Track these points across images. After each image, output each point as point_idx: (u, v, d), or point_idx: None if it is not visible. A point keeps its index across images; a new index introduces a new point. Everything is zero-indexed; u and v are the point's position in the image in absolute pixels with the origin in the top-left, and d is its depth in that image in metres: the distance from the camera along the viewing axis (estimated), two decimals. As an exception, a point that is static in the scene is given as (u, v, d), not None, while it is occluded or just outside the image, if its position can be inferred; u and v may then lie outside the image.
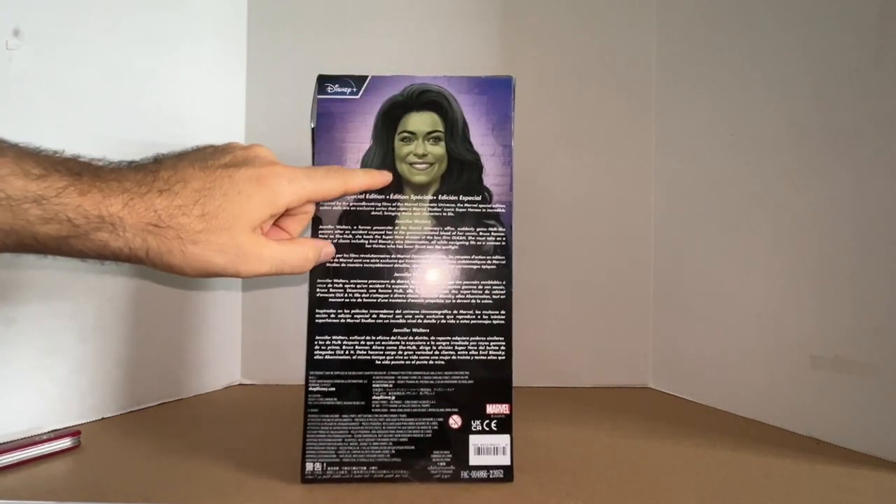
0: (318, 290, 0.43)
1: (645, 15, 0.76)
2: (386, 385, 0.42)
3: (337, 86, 0.44)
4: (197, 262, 0.34)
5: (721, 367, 0.65)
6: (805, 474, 0.45)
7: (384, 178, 0.42)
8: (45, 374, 0.53)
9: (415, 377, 0.42)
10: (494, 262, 0.43)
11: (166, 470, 0.44)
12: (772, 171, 0.59)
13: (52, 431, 0.51)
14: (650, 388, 0.75)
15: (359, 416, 0.42)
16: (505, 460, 0.42)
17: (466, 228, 0.44)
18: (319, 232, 0.43)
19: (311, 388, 0.42)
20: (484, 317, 0.43)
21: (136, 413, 0.60)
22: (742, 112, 0.63)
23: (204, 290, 0.69)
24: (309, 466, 0.41)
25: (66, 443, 0.48)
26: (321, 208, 0.43)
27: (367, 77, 0.44)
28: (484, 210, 0.44)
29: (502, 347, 0.43)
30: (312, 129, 0.44)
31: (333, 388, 0.42)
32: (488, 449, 0.42)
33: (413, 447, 0.42)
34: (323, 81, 0.45)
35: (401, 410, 0.42)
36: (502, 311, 0.43)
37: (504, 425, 0.42)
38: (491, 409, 0.42)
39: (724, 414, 0.63)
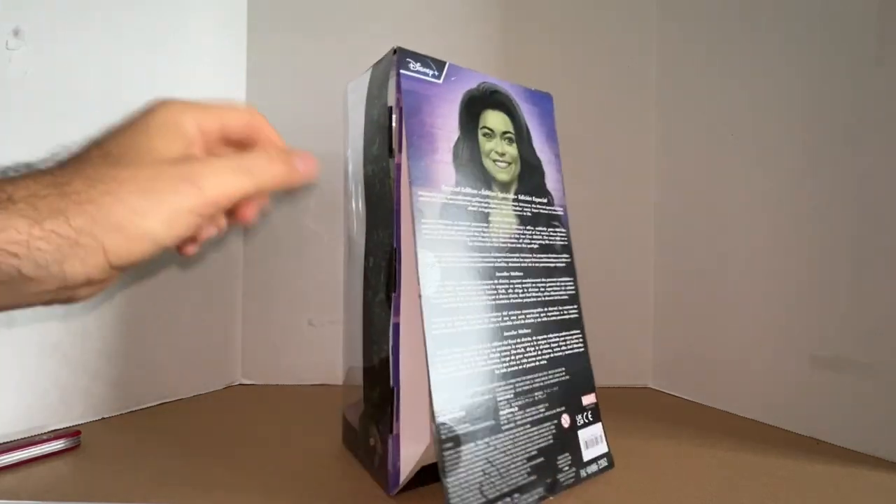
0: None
1: (645, 15, 0.76)
2: (508, 396, 0.38)
3: (419, 64, 0.40)
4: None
5: (721, 367, 0.65)
6: (805, 474, 0.45)
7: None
8: (45, 374, 0.53)
9: (527, 382, 0.40)
10: (563, 259, 0.45)
11: (166, 470, 0.44)
12: (772, 171, 0.59)
13: (52, 431, 0.51)
14: (650, 388, 0.75)
15: (492, 437, 0.36)
16: (604, 448, 0.43)
17: (541, 228, 0.44)
18: (422, 224, 0.37)
19: (440, 420, 0.34)
20: (564, 312, 0.44)
21: (136, 413, 0.60)
22: (742, 112, 0.63)
23: (204, 289, 0.69)
24: None
25: (66, 443, 0.48)
26: (420, 199, 0.37)
27: (445, 63, 0.41)
28: (550, 212, 0.45)
29: (580, 339, 0.45)
30: (389, 108, 0.39)
31: (463, 413, 0.36)
32: (592, 441, 0.42)
33: (542, 459, 0.39)
34: (404, 56, 0.39)
35: (525, 421, 0.39)
36: (575, 305, 0.45)
37: (596, 414, 0.43)
38: (586, 400, 0.43)
39: (724, 414, 0.63)
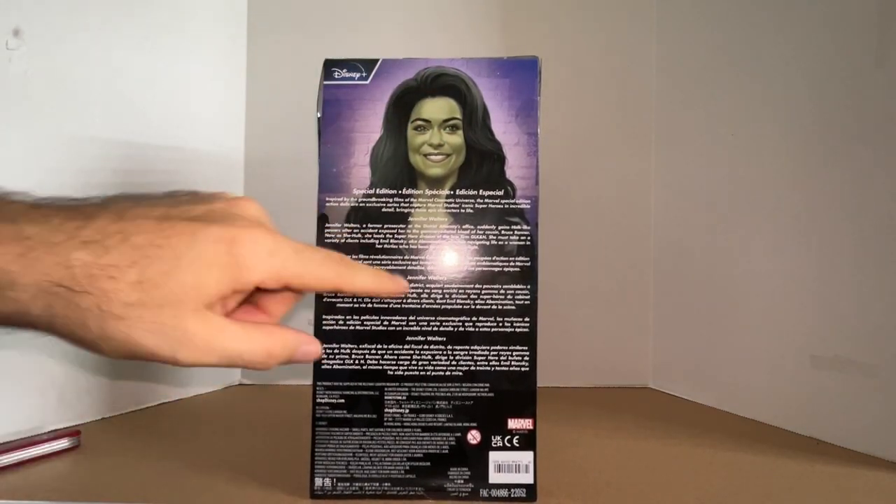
0: (325, 294, 0.40)
1: (645, 15, 0.76)
2: (399, 397, 0.39)
3: (345, 70, 0.41)
4: (118, 342, 0.25)
5: (721, 367, 0.65)
6: (805, 474, 0.45)
7: (396, 286, 0.32)
8: (45, 373, 0.53)
9: (430, 389, 0.40)
10: (518, 263, 0.40)
11: (166, 470, 0.44)
12: (772, 171, 0.59)
13: (52, 431, 0.51)
14: (650, 388, 0.75)
15: (370, 429, 0.39)
16: (528, 478, 0.39)
17: (487, 227, 0.40)
18: (326, 230, 0.40)
19: (319, 400, 0.39)
20: (506, 324, 0.40)
21: (136, 413, 0.60)
22: (742, 112, 0.63)
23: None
24: (318, 482, 0.39)
25: (65, 443, 0.48)
26: (327, 205, 0.40)
27: (377, 60, 0.41)
28: (506, 206, 0.40)
29: (526, 357, 0.40)
30: (318, 120, 0.41)
31: (343, 400, 0.39)
32: (510, 466, 0.39)
33: (428, 463, 0.39)
34: (329, 66, 0.41)
35: (415, 424, 0.39)
36: (526, 318, 0.40)
37: (527, 441, 0.39)
38: (513, 423, 0.39)
39: (724, 414, 0.63)
